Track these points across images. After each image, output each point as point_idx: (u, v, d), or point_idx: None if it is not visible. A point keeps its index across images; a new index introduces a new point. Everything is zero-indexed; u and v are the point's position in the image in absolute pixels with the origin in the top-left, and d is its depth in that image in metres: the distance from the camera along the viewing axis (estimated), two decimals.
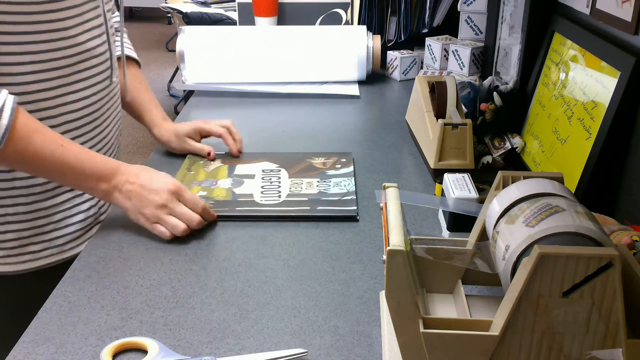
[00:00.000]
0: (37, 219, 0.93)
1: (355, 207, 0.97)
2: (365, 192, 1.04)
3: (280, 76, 1.55)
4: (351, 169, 1.10)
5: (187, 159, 1.14)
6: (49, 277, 0.92)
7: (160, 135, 1.15)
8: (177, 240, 0.90)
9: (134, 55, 1.21)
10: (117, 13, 1.12)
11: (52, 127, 0.90)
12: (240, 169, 1.10)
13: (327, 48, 1.54)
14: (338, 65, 1.55)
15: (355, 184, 1.05)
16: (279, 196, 1.00)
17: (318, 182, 1.05)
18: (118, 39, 1.10)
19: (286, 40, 1.55)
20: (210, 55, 1.52)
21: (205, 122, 1.16)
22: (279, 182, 1.05)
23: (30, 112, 0.87)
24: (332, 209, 0.97)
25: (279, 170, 1.09)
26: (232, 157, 1.15)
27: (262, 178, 1.07)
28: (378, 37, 1.57)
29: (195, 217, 0.89)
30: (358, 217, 0.96)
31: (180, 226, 0.88)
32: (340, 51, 1.54)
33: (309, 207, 0.97)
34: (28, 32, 0.86)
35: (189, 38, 1.52)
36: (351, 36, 1.55)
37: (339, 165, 1.11)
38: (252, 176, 1.07)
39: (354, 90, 1.53)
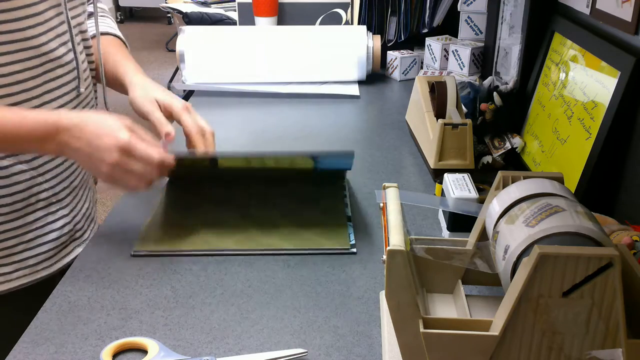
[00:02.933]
0: (7, 239, 0.89)
1: (350, 238, 0.90)
2: (365, 192, 1.04)
3: (280, 76, 1.54)
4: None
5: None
6: (22, 299, 0.89)
7: (131, 90, 1.00)
8: None
9: (113, 32, 1.10)
10: (91, 18, 1.06)
11: None
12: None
13: (327, 48, 1.53)
14: (338, 65, 1.54)
15: (351, 206, 0.98)
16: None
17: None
18: (85, 45, 1.00)
19: (286, 40, 1.54)
20: (210, 56, 1.51)
21: (189, 109, 0.98)
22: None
23: None
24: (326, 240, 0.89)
25: None
26: None
27: None
28: (378, 37, 1.56)
29: (150, 176, 0.81)
30: (355, 250, 0.87)
31: (138, 186, 0.81)
32: (340, 51, 1.53)
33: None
34: None
35: (189, 38, 1.51)
36: (351, 36, 1.54)
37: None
38: None
39: (354, 90, 1.53)
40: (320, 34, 1.56)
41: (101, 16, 1.12)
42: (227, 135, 1.28)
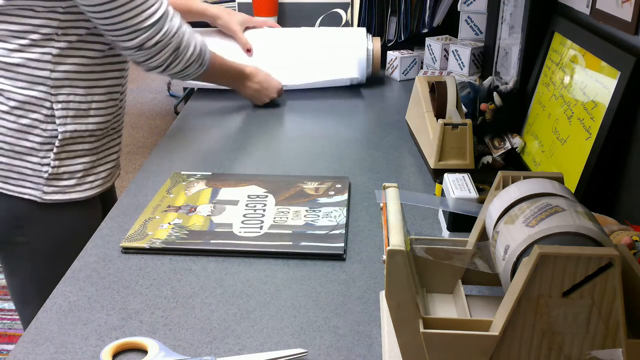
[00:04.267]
0: (94, 154, 1.14)
1: (342, 245, 0.87)
2: (365, 193, 1.04)
3: (278, 78, 1.49)
4: (345, 196, 1.00)
5: (169, 178, 1.07)
6: (92, 206, 1.17)
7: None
8: None
9: None
10: None
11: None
12: (225, 193, 1.02)
13: (326, 50, 1.53)
14: (337, 68, 1.53)
15: (348, 215, 0.97)
16: (261, 227, 0.92)
17: (307, 211, 0.96)
18: None
19: (285, 42, 1.55)
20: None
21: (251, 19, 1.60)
22: (264, 211, 0.96)
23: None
24: (317, 245, 0.87)
25: (266, 197, 1.01)
26: (219, 179, 1.07)
27: (246, 205, 0.98)
28: (378, 40, 1.55)
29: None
30: (345, 257, 0.87)
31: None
32: (339, 53, 1.52)
33: (291, 243, 0.88)
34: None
35: None
36: (350, 38, 1.53)
37: (333, 192, 1.02)
38: (235, 202, 0.99)
39: (353, 72, 1.52)
40: (319, 36, 1.56)
41: None
42: (227, 133, 1.28)
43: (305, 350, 0.68)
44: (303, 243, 0.88)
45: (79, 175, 1.12)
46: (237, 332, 0.72)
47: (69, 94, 1.07)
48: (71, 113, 1.08)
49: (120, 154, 1.25)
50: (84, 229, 1.01)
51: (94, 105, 1.11)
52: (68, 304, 0.77)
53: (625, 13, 0.90)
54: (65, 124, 1.08)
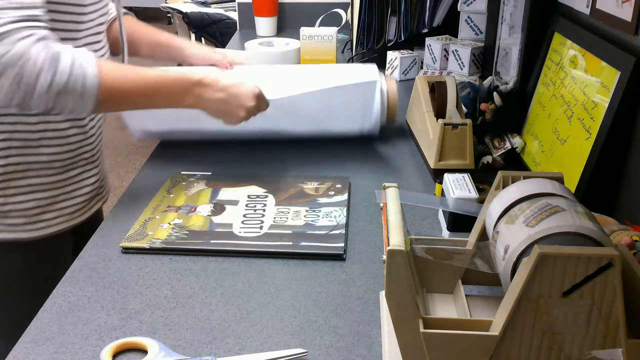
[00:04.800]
0: (54, 189, 1.02)
1: (342, 245, 0.87)
2: (365, 193, 1.04)
3: (271, 125, 1.19)
4: (345, 196, 1.00)
5: (169, 179, 1.07)
6: (56, 244, 1.05)
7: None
8: None
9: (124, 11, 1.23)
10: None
11: None
12: (225, 193, 1.02)
13: (329, 97, 1.16)
14: (340, 117, 1.19)
15: (348, 215, 0.96)
16: (261, 227, 0.91)
17: (307, 211, 0.96)
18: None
19: (279, 84, 1.16)
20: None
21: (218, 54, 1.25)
22: (264, 211, 0.96)
23: None
24: (317, 245, 0.87)
25: (266, 197, 1.00)
26: (219, 179, 1.05)
27: (247, 205, 0.98)
28: (393, 81, 1.23)
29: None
30: (345, 257, 0.87)
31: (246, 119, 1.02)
32: (343, 99, 1.16)
33: (291, 243, 0.88)
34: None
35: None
36: (357, 76, 1.17)
37: (333, 192, 1.02)
38: (235, 202, 0.99)
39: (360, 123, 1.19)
40: (316, 77, 1.19)
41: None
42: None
43: (305, 350, 0.68)
44: (303, 243, 0.88)
45: (33, 212, 1.00)
46: (237, 332, 0.72)
47: (14, 123, 0.94)
48: (16, 144, 0.95)
49: (100, 184, 1.12)
50: (45, 268, 0.96)
51: (48, 134, 0.98)
52: (68, 304, 0.77)
53: (625, 13, 0.90)
54: (7, 157, 0.96)
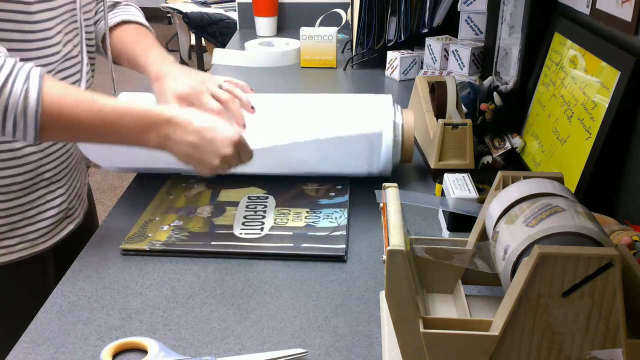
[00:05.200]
0: (14, 214, 0.94)
1: (343, 246, 0.87)
2: (365, 193, 1.04)
3: (273, 168, 1.05)
4: (346, 197, 1.00)
5: (169, 180, 1.06)
6: (20, 270, 0.96)
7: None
8: None
9: (136, 19, 1.11)
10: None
11: None
12: (225, 195, 1.01)
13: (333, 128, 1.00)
14: (348, 158, 1.02)
15: (349, 216, 0.96)
16: (261, 229, 0.91)
17: (307, 212, 0.96)
18: (89, 44, 1.03)
19: (266, 124, 1.01)
20: None
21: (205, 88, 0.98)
22: (264, 212, 0.96)
23: None
24: (318, 246, 0.87)
25: (266, 198, 1.00)
26: (219, 180, 1.00)
27: (247, 206, 0.97)
28: (411, 114, 1.03)
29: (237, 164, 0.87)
30: (346, 258, 0.86)
31: (224, 170, 0.87)
32: (343, 149, 1.00)
33: (292, 244, 0.87)
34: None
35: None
36: (369, 112, 1.01)
37: (333, 194, 1.01)
38: (235, 204, 0.98)
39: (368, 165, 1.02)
40: (324, 106, 1.04)
41: (125, 5, 1.14)
42: None
43: (305, 350, 0.68)
44: (304, 244, 0.88)
45: None
46: (237, 332, 0.72)
47: None
48: None
49: (70, 205, 1.03)
50: (14, 294, 0.91)
51: (2, 155, 0.90)
52: (68, 304, 0.77)
53: (625, 13, 0.90)
54: None
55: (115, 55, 1.08)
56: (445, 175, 0.92)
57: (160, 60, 1.02)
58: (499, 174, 0.66)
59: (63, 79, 0.96)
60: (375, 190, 0.67)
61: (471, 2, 1.52)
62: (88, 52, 1.02)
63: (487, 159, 1.13)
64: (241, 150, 0.85)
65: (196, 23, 3.72)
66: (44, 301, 0.78)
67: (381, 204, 0.66)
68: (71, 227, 1.04)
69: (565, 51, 1.09)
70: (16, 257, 0.96)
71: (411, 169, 1.14)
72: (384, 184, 0.68)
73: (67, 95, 0.80)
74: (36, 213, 0.97)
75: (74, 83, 0.98)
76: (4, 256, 0.95)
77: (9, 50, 0.84)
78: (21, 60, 0.81)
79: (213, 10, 3.87)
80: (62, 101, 0.79)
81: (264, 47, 1.81)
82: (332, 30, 1.71)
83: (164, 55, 1.04)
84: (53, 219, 1.00)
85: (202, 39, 3.87)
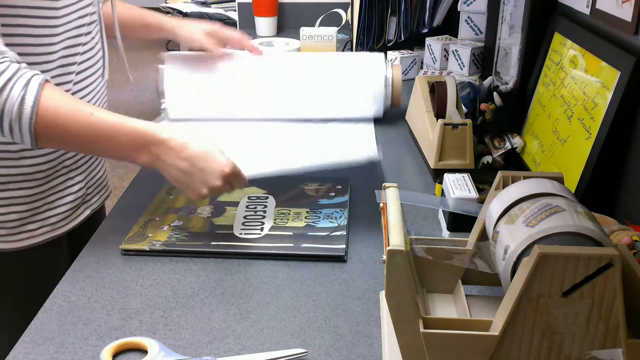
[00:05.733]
0: (36, 200, 0.98)
1: (343, 246, 0.87)
2: (365, 193, 1.04)
3: (278, 112, 1.24)
4: (346, 198, 1.01)
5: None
6: (41, 254, 1.01)
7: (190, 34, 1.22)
8: None
9: None
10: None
11: None
12: (225, 195, 0.96)
13: (335, 79, 1.26)
14: (348, 101, 1.25)
15: (349, 216, 0.96)
16: (261, 229, 0.91)
17: (307, 212, 0.96)
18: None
19: (287, 69, 1.26)
20: (198, 88, 1.23)
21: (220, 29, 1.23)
22: (264, 212, 0.96)
23: None
24: (318, 246, 0.87)
25: (266, 198, 1.00)
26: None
27: (247, 206, 0.98)
28: (398, 67, 1.31)
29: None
30: (346, 258, 0.87)
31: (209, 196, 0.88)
32: (352, 83, 1.25)
33: (292, 244, 0.87)
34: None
35: (171, 74, 1.23)
36: (365, 65, 1.27)
37: (333, 193, 1.02)
38: (235, 204, 0.99)
39: (371, 144, 1.11)
40: (327, 63, 1.29)
41: None
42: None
43: (305, 350, 0.68)
44: (304, 245, 0.88)
45: (12, 225, 0.97)
46: (237, 332, 0.72)
47: None
48: None
49: (87, 190, 1.07)
50: (34, 277, 0.94)
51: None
52: (68, 304, 0.77)
53: (625, 13, 0.90)
54: None
55: (111, 27, 1.12)
56: (445, 175, 0.92)
57: (168, 17, 1.24)
58: (499, 174, 0.66)
59: (87, 69, 1.00)
60: (375, 190, 0.67)
61: (471, 2, 1.52)
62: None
63: (487, 159, 1.13)
64: (234, 180, 0.86)
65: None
66: (56, 284, 0.81)
67: (381, 204, 0.66)
68: (88, 212, 1.08)
69: (565, 51, 1.09)
70: (38, 241, 1.00)
71: (411, 169, 1.14)
72: (383, 184, 0.68)
73: (62, 106, 0.82)
74: (56, 199, 1.01)
75: (96, 72, 1.04)
76: (27, 240, 0.99)
77: (35, 45, 0.89)
78: (46, 54, 0.89)
79: (213, 10, 3.87)
80: (56, 111, 0.81)
81: (264, 47, 1.80)
82: (332, 30, 1.71)
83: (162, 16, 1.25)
84: (71, 205, 1.04)
85: None
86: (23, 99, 0.79)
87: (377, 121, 1.35)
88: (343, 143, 1.02)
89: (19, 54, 0.84)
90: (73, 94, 0.97)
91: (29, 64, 0.86)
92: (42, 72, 0.85)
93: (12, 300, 1.00)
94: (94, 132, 0.83)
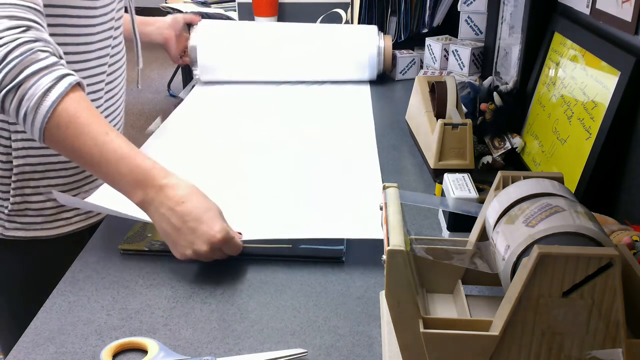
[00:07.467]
0: (72, 189, 1.04)
1: (342, 247, 0.87)
2: None
3: (287, 75, 1.57)
4: None
5: None
6: (76, 241, 1.03)
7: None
8: None
9: None
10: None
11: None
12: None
13: (337, 47, 1.55)
14: (347, 66, 1.55)
15: None
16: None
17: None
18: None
19: (295, 38, 1.56)
20: (224, 52, 1.53)
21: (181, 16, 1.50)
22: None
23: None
24: (317, 247, 0.87)
25: None
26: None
27: None
28: (389, 38, 1.58)
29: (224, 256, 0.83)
30: (344, 259, 0.86)
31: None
32: (350, 51, 1.54)
33: (290, 246, 0.87)
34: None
35: (204, 31, 1.54)
36: (362, 36, 1.55)
37: None
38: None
39: (365, 94, 1.52)
40: (330, 33, 1.57)
41: None
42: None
43: (305, 350, 0.68)
44: (303, 246, 0.88)
45: (50, 212, 1.01)
46: (237, 332, 0.72)
47: None
48: (36, 144, 0.96)
49: None
50: (64, 265, 0.88)
51: None
52: (68, 304, 0.77)
53: (625, 13, 0.90)
54: (25, 157, 0.97)
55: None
56: (445, 175, 0.92)
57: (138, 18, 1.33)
58: (499, 174, 0.66)
59: (116, 61, 1.08)
60: None
61: (471, 2, 1.52)
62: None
63: (487, 159, 1.13)
64: (225, 247, 0.81)
65: None
66: None
67: (381, 204, 0.66)
68: None
69: (565, 51, 1.09)
70: (73, 229, 1.06)
71: (411, 169, 1.14)
72: (383, 184, 0.68)
73: (83, 114, 0.80)
74: (89, 189, 1.06)
75: (121, 67, 1.11)
76: (63, 227, 1.04)
77: (75, 45, 0.96)
78: (85, 44, 0.97)
79: (213, 10, 3.87)
80: (75, 115, 0.79)
81: None
82: None
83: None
84: None
85: None
86: (48, 91, 0.77)
87: (377, 121, 1.35)
88: (345, 217, 0.95)
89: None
90: (106, 93, 1.06)
91: (69, 62, 0.92)
92: (78, 70, 0.94)
93: (39, 288, 0.98)
94: (99, 151, 0.79)
